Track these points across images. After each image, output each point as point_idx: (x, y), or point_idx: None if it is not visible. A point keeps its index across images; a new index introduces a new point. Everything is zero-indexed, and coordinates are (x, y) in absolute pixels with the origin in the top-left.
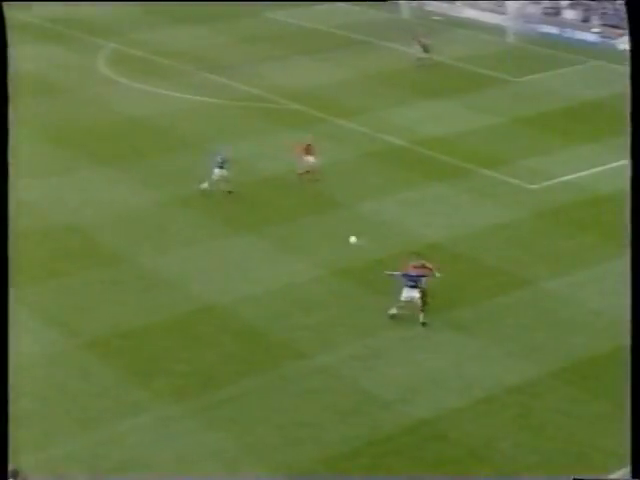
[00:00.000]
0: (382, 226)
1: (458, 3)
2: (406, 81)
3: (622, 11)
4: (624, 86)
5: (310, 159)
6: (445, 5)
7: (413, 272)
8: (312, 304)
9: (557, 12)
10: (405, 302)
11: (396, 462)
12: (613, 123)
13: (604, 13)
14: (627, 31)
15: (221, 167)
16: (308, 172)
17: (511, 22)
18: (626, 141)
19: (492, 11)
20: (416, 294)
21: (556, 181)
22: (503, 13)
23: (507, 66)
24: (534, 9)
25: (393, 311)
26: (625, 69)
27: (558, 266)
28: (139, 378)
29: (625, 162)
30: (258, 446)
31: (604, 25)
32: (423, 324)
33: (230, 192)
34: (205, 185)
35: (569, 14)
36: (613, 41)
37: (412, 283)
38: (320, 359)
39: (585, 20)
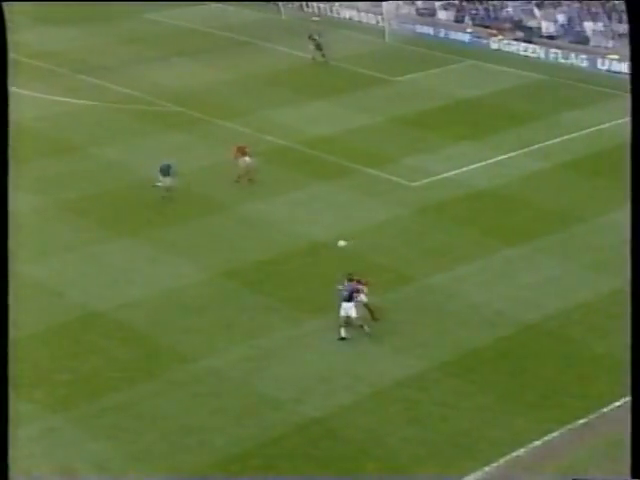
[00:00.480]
0: (268, 227)
1: (336, 4)
2: (288, 82)
3: (493, 11)
4: (498, 84)
5: (247, 160)
6: (323, 6)
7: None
8: (198, 307)
9: (432, 13)
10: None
11: (287, 462)
12: (489, 120)
13: (476, 14)
14: (498, 31)
15: (166, 175)
16: (247, 173)
17: (387, 23)
18: (504, 137)
19: (369, 12)
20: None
21: (436, 178)
22: (380, 14)
23: (386, 66)
24: (408, 9)
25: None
26: (499, 68)
27: (441, 261)
28: (22, 389)
29: (502, 157)
30: (145, 454)
31: (476, 25)
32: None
33: (163, 197)
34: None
35: (443, 15)
36: (485, 41)
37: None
38: (208, 362)
39: (458, 20)
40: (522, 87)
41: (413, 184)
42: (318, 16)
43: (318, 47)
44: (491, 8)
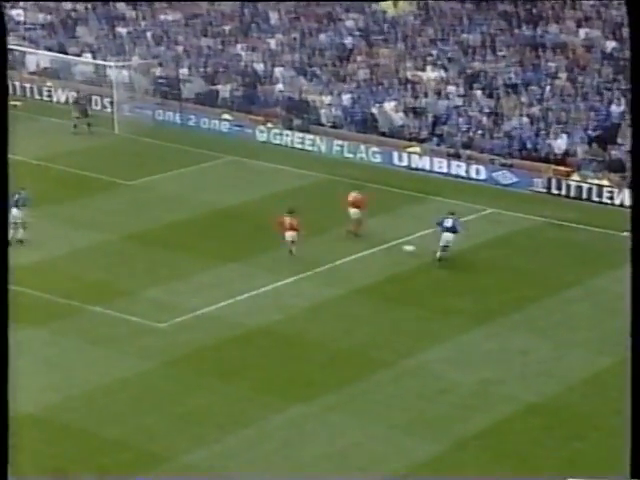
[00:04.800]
0: None
1: (49, 82)
2: None
3: (254, 95)
4: (267, 187)
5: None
6: (29, 86)
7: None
8: None
9: (174, 85)
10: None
11: None
12: (257, 235)
13: (236, 95)
14: (265, 118)
15: (17, 207)
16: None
17: (116, 107)
18: (277, 256)
19: (95, 93)
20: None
21: (190, 316)
22: (108, 96)
23: (116, 165)
24: (147, 84)
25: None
26: (268, 166)
27: (201, 433)
28: None
29: (278, 284)
30: None
31: (238, 111)
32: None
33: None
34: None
35: (189, 90)
36: (250, 130)
37: None
38: None
39: (211, 104)
40: (299, 190)
41: (159, 325)
42: (19, 100)
43: (84, 113)
44: (258, 87)
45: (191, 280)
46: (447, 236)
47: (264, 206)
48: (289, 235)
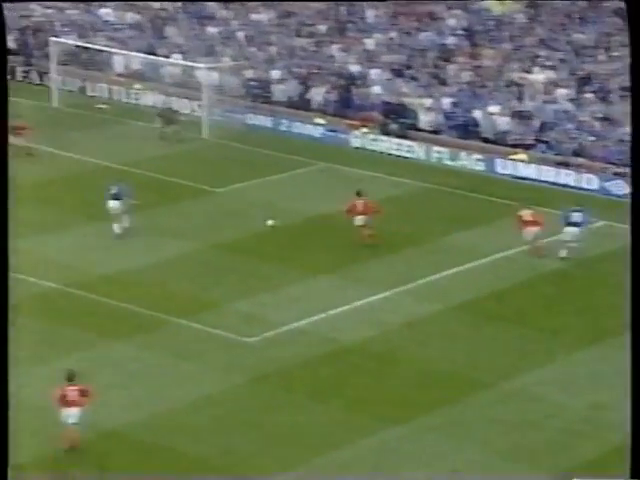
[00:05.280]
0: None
1: (137, 85)
2: (56, 198)
3: (349, 98)
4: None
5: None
6: (117, 88)
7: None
8: None
9: (267, 91)
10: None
11: None
12: (352, 246)
13: (330, 98)
14: (360, 122)
15: (116, 199)
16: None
17: (206, 111)
18: (373, 269)
19: (181, 96)
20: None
21: (280, 330)
22: (197, 99)
23: (205, 172)
24: (237, 86)
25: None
26: (362, 173)
27: (290, 454)
28: None
29: (373, 298)
30: None
31: (332, 115)
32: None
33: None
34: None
35: (281, 93)
36: (344, 136)
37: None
38: None
39: (304, 107)
40: (395, 198)
41: (248, 340)
42: (106, 103)
43: (169, 122)
44: (353, 90)
45: (281, 292)
46: (570, 230)
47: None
48: (359, 219)
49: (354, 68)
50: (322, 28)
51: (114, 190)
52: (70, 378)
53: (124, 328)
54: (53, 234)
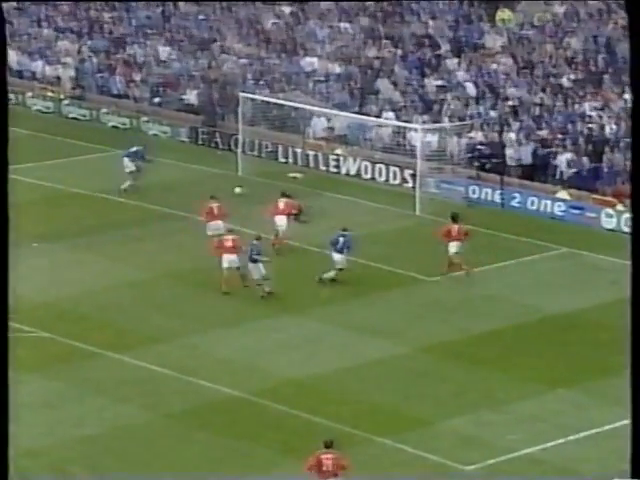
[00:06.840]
0: None
1: (338, 150)
2: (235, 284)
3: (598, 167)
4: (610, 290)
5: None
6: (313, 154)
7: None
8: None
9: (497, 157)
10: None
11: None
12: (593, 354)
13: (576, 167)
14: (613, 197)
15: (134, 160)
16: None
17: (420, 181)
18: (622, 387)
19: (393, 164)
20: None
21: (507, 457)
22: (409, 164)
23: (415, 255)
24: (460, 152)
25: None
26: (614, 262)
27: None
28: None
29: (621, 423)
30: None
31: (577, 188)
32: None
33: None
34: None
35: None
36: (593, 214)
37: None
38: None
39: (543, 179)
40: None
41: (465, 468)
42: (301, 172)
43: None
44: (606, 156)
45: (507, 409)
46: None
47: (607, 315)
48: (453, 246)
49: (609, 129)
50: (572, 78)
51: (133, 149)
52: None
53: (311, 446)
54: (231, 329)
